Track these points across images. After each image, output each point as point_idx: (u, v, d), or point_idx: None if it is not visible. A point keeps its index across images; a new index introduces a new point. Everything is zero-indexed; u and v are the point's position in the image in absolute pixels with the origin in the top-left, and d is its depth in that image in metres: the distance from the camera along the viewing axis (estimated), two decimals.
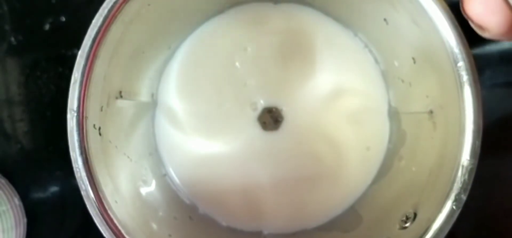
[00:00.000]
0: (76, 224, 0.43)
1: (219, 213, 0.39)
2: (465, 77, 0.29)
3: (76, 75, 0.29)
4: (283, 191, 0.39)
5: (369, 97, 0.39)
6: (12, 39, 0.43)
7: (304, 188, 0.39)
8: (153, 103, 0.40)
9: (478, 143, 0.28)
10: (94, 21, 0.29)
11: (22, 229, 0.42)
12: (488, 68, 0.42)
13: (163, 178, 0.39)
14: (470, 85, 0.29)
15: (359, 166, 0.39)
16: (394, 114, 0.38)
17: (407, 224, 0.31)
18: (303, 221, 0.39)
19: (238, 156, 0.39)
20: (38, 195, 0.44)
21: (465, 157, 0.29)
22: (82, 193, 0.30)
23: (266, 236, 0.39)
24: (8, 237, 0.40)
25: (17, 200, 0.42)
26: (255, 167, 0.39)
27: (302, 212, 0.39)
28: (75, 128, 0.29)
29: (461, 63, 0.29)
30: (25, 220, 0.43)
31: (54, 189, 0.44)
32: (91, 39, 0.29)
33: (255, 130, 0.39)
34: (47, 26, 0.43)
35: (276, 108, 0.39)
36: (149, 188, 0.37)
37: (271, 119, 0.39)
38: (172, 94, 0.39)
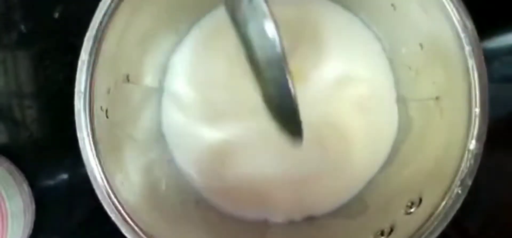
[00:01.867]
0: (84, 212, 0.44)
1: (224, 200, 0.39)
2: (471, 61, 0.29)
3: (83, 57, 0.30)
4: (290, 179, 0.39)
5: (377, 85, 0.39)
6: (22, 27, 0.44)
7: (310, 176, 0.39)
8: (161, 89, 0.40)
9: (484, 127, 0.29)
10: (101, 4, 0.30)
11: (30, 215, 0.42)
12: (498, 62, 0.42)
13: (169, 163, 0.39)
14: (477, 69, 0.29)
15: (367, 154, 0.38)
16: (401, 102, 0.38)
17: (412, 210, 0.31)
18: (309, 209, 0.39)
19: (244, 142, 0.39)
20: (47, 182, 0.44)
21: (471, 141, 0.29)
22: (89, 173, 0.30)
23: (271, 224, 0.39)
24: (16, 222, 0.40)
25: (25, 186, 0.43)
26: (261, 154, 0.39)
27: (308, 200, 0.39)
28: (82, 109, 0.30)
29: (468, 48, 0.29)
30: (34, 206, 0.43)
31: (62, 176, 0.44)
32: (98, 22, 0.30)
33: (262, 117, 0.39)
34: (56, 15, 0.43)
35: None
36: (156, 172, 0.37)
37: None
38: (180, 81, 0.39)
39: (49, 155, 0.44)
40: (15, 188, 0.41)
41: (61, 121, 0.43)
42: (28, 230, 0.42)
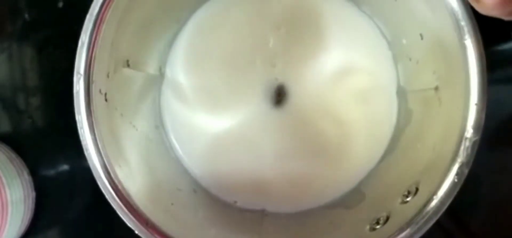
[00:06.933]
0: (85, 201, 0.44)
1: (221, 189, 0.39)
2: (471, 51, 0.29)
3: (83, 38, 0.30)
4: (288, 169, 0.39)
5: (378, 76, 0.39)
6: (26, 16, 0.44)
7: (309, 167, 0.39)
8: (161, 77, 0.40)
9: (482, 116, 0.28)
10: None
11: (30, 202, 0.43)
12: (503, 63, 0.42)
13: (168, 151, 0.39)
14: (476, 58, 0.29)
15: (366, 146, 0.38)
16: (401, 93, 0.38)
17: (409, 199, 0.31)
18: (307, 200, 0.39)
19: (243, 132, 0.39)
20: (48, 171, 0.44)
21: (469, 130, 0.29)
22: (87, 156, 0.30)
23: (268, 213, 0.39)
24: (16, 210, 0.41)
25: (26, 174, 0.43)
26: (260, 144, 0.39)
27: (306, 191, 0.39)
28: (81, 91, 0.30)
29: (467, 37, 0.29)
30: (34, 194, 0.43)
31: (63, 167, 0.44)
32: (99, 4, 0.30)
33: (261, 106, 0.39)
34: (60, 4, 0.44)
35: (284, 85, 0.39)
36: (154, 159, 0.37)
37: (277, 95, 0.39)
38: (180, 69, 0.39)
39: (50, 143, 0.44)
40: (16, 176, 0.41)
41: (64, 109, 0.43)
42: (28, 217, 0.43)
